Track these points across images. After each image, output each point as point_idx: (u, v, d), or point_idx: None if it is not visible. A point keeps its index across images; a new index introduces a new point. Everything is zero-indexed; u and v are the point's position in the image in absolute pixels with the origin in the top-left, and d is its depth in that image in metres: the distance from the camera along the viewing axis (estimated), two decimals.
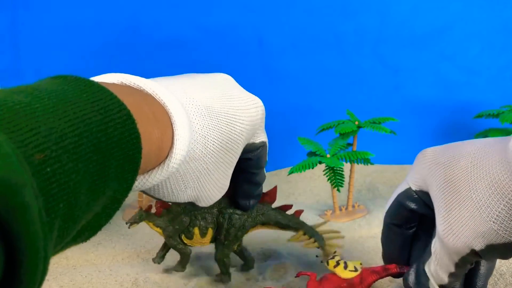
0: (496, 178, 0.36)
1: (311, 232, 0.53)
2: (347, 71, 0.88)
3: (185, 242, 0.52)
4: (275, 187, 0.53)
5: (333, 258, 0.50)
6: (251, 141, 0.46)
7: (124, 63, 0.87)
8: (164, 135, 0.34)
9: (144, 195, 0.71)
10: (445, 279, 0.41)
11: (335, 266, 0.49)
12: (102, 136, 0.26)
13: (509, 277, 0.52)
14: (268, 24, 0.86)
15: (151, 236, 0.64)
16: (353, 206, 0.72)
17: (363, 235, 0.65)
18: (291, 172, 0.67)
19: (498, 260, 0.51)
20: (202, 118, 0.39)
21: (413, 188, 0.44)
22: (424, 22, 0.86)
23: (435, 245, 0.42)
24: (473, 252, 0.38)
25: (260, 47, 0.87)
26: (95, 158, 0.25)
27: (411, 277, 0.44)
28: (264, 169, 0.50)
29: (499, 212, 0.36)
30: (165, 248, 0.54)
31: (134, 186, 0.35)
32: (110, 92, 0.28)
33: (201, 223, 0.50)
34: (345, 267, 0.49)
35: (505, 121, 0.70)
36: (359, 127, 0.70)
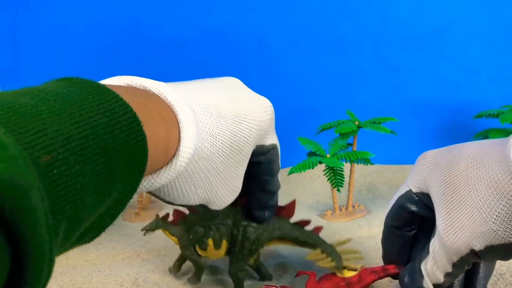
0: (496, 179, 0.36)
1: (329, 251, 0.50)
2: (347, 71, 0.88)
3: (200, 253, 0.50)
4: (294, 201, 0.51)
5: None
6: (261, 143, 0.45)
7: (124, 63, 0.87)
8: (171, 134, 0.34)
9: (144, 195, 0.71)
10: (441, 279, 0.41)
11: (339, 271, 0.49)
12: (108, 138, 0.26)
13: (509, 277, 0.52)
14: (268, 24, 0.86)
15: (151, 236, 0.64)
16: (353, 206, 0.72)
17: (363, 235, 0.65)
18: (291, 172, 0.67)
19: (498, 261, 0.51)
20: (209, 117, 0.39)
21: (414, 190, 0.44)
22: (424, 22, 0.86)
23: (433, 244, 0.42)
24: (473, 253, 0.38)
25: (260, 47, 0.87)
26: (102, 160, 0.25)
27: (407, 275, 0.45)
28: (278, 177, 0.49)
29: (498, 213, 0.36)
30: (182, 258, 0.53)
31: (142, 187, 0.35)
32: (116, 94, 0.28)
33: (215, 234, 0.49)
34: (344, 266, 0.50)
35: (505, 121, 0.70)
36: (359, 127, 0.70)
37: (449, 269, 0.41)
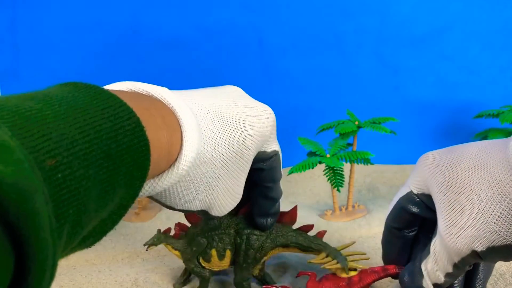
0: (497, 179, 0.36)
1: (334, 254, 0.49)
2: (347, 71, 0.88)
3: (204, 265, 0.50)
4: (295, 207, 0.50)
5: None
6: (263, 149, 0.45)
7: (124, 63, 0.87)
8: (173, 138, 0.34)
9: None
10: (441, 279, 0.41)
11: (346, 273, 0.49)
12: (112, 143, 0.26)
13: (509, 277, 0.52)
14: (268, 24, 0.86)
15: (151, 237, 0.64)
16: (353, 206, 0.72)
17: (363, 235, 0.65)
18: (291, 172, 0.67)
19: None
20: (211, 122, 0.39)
21: (415, 191, 0.45)
22: (424, 22, 0.86)
23: (434, 244, 0.42)
24: (474, 253, 0.38)
25: (260, 47, 0.87)
26: (105, 165, 0.25)
27: (407, 274, 0.45)
28: (280, 184, 0.49)
29: (500, 213, 0.36)
30: (186, 273, 0.53)
31: (144, 191, 0.35)
32: (119, 100, 0.28)
33: (219, 244, 0.49)
34: None
35: (505, 121, 0.70)
36: (359, 127, 0.70)
37: (450, 270, 0.41)
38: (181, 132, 0.35)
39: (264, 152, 0.45)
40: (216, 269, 0.50)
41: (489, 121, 0.81)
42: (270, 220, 0.49)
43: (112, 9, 0.85)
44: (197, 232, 0.49)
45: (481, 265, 0.45)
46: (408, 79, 0.88)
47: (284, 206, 0.73)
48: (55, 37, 0.85)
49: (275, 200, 0.48)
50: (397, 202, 0.46)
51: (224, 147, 0.39)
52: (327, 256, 0.50)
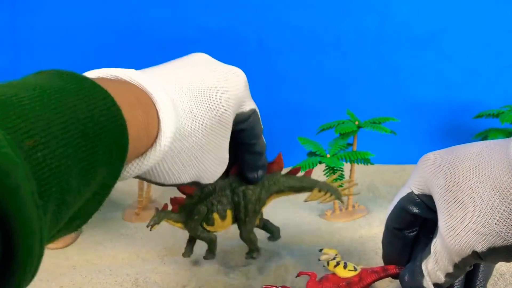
0: (498, 180, 0.36)
1: (326, 187, 0.53)
2: (347, 71, 0.88)
3: (208, 229, 0.52)
4: (280, 154, 0.53)
5: (333, 259, 0.50)
6: (240, 110, 0.46)
7: (124, 63, 0.86)
8: (150, 117, 0.34)
9: (144, 196, 0.71)
10: (441, 279, 0.41)
11: (335, 266, 0.50)
12: (88, 122, 0.27)
13: (509, 277, 0.52)
14: (268, 24, 0.86)
15: (151, 237, 0.64)
16: (353, 206, 0.72)
17: (363, 235, 0.65)
18: None
19: None
20: (185, 95, 0.39)
21: (416, 192, 0.45)
22: (424, 22, 0.86)
23: (435, 244, 0.42)
24: (475, 254, 0.38)
25: (260, 47, 0.87)
26: (83, 143, 0.26)
27: (407, 274, 0.45)
28: (263, 137, 0.50)
29: (501, 214, 0.36)
30: (191, 241, 0.54)
31: (131, 172, 0.36)
32: (93, 82, 0.29)
33: (218, 207, 0.51)
34: (345, 266, 0.50)
35: (505, 121, 0.70)
36: (359, 127, 0.70)
37: (450, 270, 0.41)
38: (156, 110, 0.36)
39: (242, 112, 0.46)
40: (220, 230, 0.52)
41: (489, 121, 0.81)
42: (260, 172, 0.51)
43: (112, 9, 0.85)
44: (195, 202, 0.51)
45: (481, 265, 0.45)
46: (408, 79, 0.88)
47: (285, 205, 0.73)
48: (55, 37, 0.85)
49: (261, 154, 0.50)
50: (398, 202, 0.46)
51: (202, 117, 0.40)
52: (319, 191, 0.53)
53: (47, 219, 0.23)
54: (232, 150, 0.46)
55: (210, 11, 0.85)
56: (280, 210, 0.70)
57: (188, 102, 0.39)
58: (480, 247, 0.38)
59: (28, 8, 0.85)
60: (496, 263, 0.45)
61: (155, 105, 0.35)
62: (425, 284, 0.43)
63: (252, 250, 0.53)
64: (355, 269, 0.50)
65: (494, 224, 0.36)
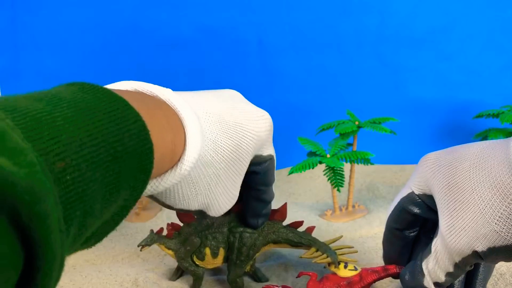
0: (498, 179, 0.36)
1: (324, 249, 0.51)
2: (347, 71, 0.88)
3: (197, 263, 0.51)
4: (285, 204, 0.52)
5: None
6: (259, 153, 0.46)
7: (124, 63, 0.87)
8: (177, 139, 0.34)
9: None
10: (442, 278, 0.41)
11: (335, 266, 0.50)
12: (118, 146, 0.26)
13: (509, 277, 0.52)
14: (268, 24, 0.86)
15: None
16: (353, 206, 0.72)
17: (363, 235, 0.65)
18: (291, 172, 0.67)
19: None
20: (212, 125, 0.40)
21: (416, 192, 0.45)
22: (424, 22, 0.86)
23: (436, 243, 0.42)
24: (475, 254, 0.38)
25: (260, 47, 0.87)
26: (112, 168, 0.26)
27: (408, 273, 0.45)
28: (272, 187, 0.50)
29: (501, 214, 0.36)
30: (179, 272, 0.54)
31: (147, 190, 0.36)
32: (126, 102, 0.29)
33: (212, 243, 0.50)
34: (345, 266, 0.50)
35: (505, 121, 0.70)
36: (359, 127, 0.70)
37: (451, 269, 0.41)
38: (184, 133, 0.36)
39: (260, 156, 0.46)
40: (209, 267, 0.52)
41: (489, 121, 0.81)
42: (261, 220, 0.50)
43: (112, 9, 0.85)
44: (191, 232, 0.50)
45: (481, 265, 0.45)
46: (408, 79, 0.88)
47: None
48: (55, 37, 0.85)
49: (267, 203, 0.50)
50: (398, 202, 0.46)
51: (224, 149, 0.40)
52: (317, 251, 0.51)
53: (68, 242, 0.23)
54: (240, 191, 0.46)
55: (210, 11, 0.85)
56: None
57: (214, 132, 0.40)
58: (481, 247, 0.38)
59: (28, 8, 0.85)
60: (497, 263, 0.45)
61: (183, 128, 0.36)
62: (425, 283, 0.43)
63: None
64: (355, 269, 0.50)
65: (494, 224, 0.36)
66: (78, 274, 0.55)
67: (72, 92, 0.27)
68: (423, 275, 0.43)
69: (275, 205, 0.52)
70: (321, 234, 0.65)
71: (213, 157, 0.39)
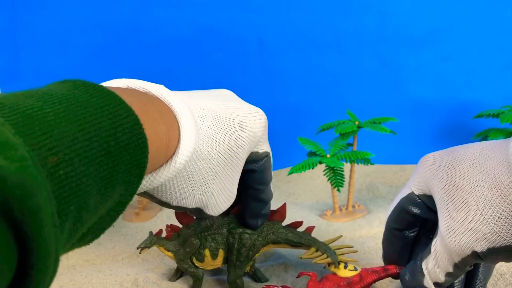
0: (498, 180, 0.36)
1: (323, 248, 0.51)
2: (347, 71, 0.88)
3: (197, 265, 0.51)
4: (285, 205, 0.52)
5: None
6: (255, 150, 0.46)
7: (124, 63, 0.87)
8: (171, 133, 0.34)
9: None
10: (441, 278, 0.41)
11: (335, 266, 0.50)
12: (111, 140, 0.26)
13: (509, 277, 0.52)
14: (268, 24, 0.86)
15: None
16: (353, 206, 0.72)
17: (363, 235, 0.65)
18: (291, 172, 0.67)
19: None
20: (207, 120, 0.40)
21: (416, 192, 0.45)
22: (424, 22, 0.86)
23: (435, 244, 0.42)
24: (474, 254, 0.38)
25: (260, 47, 0.87)
26: (105, 162, 0.26)
27: (408, 273, 0.45)
28: (271, 187, 0.50)
29: (500, 214, 0.36)
30: (178, 273, 0.54)
31: (142, 185, 0.35)
32: (118, 97, 0.29)
33: (212, 244, 0.50)
34: (345, 266, 0.50)
35: (505, 121, 0.70)
36: (359, 127, 0.70)
37: (450, 269, 0.41)
38: (179, 127, 0.36)
39: (256, 152, 0.46)
40: (209, 268, 0.51)
41: (489, 121, 0.81)
42: (260, 221, 0.50)
43: (112, 9, 0.85)
44: (190, 233, 0.50)
45: (481, 265, 0.45)
46: (408, 79, 0.88)
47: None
48: (55, 37, 0.85)
49: (266, 202, 0.49)
50: (398, 203, 0.46)
51: (220, 144, 0.40)
52: (317, 251, 0.51)
53: (63, 238, 0.23)
54: (238, 192, 0.46)
55: (210, 11, 0.85)
56: None
57: (209, 127, 0.40)
58: (480, 247, 0.38)
59: (28, 8, 0.85)
60: (496, 263, 0.45)
61: (178, 122, 0.36)
62: (425, 283, 0.43)
63: None
64: (355, 269, 0.50)
65: (493, 224, 0.36)
66: (78, 274, 0.55)
67: (64, 88, 0.27)
68: (423, 275, 0.43)
69: (275, 205, 0.52)
70: (321, 234, 0.65)
71: (208, 152, 0.39)
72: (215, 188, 0.41)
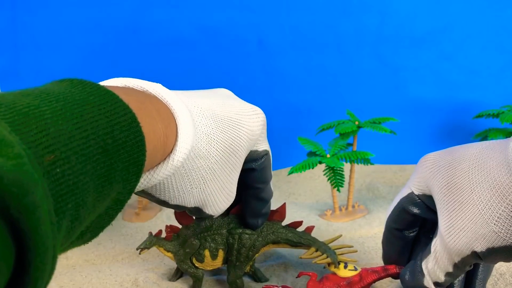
0: (497, 180, 0.36)
1: (323, 248, 0.51)
2: (347, 71, 0.88)
3: (197, 265, 0.51)
4: (284, 205, 0.52)
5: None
6: (254, 148, 0.46)
7: (124, 63, 0.87)
8: (168, 131, 0.34)
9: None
10: (441, 278, 0.42)
11: (335, 266, 0.50)
12: (109, 138, 0.26)
13: (509, 277, 0.52)
14: (268, 24, 0.86)
15: None
16: (353, 206, 0.72)
17: (363, 235, 0.65)
18: (291, 172, 0.67)
19: None
20: (205, 119, 0.40)
21: (416, 192, 0.45)
22: (424, 22, 0.86)
23: (435, 244, 0.42)
24: (474, 254, 0.38)
25: (260, 47, 0.87)
26: (102, 160, 0.26)
27: (408, 273, 0.45)
28: (271, 185, 0.49)
29: (500, 214, 0.36)
30: (178, 273, 0.54)
31: (140, 184, 0.35)
32: (115, 95, 0.29)
33: (211, 245, 0.50)
34: (345, 266, 0.50)
35: (505, 121, 0.70)
36: (359, 127, 0.70)
37: (450, 269, 0.41)
38: (176, 125, 0.36)
39: (256, 151, 0.46)
40: (209, 268, 0.51)
41: (489, 121, 0.81)
42: (261, 220, 0.50)
43: (112, 9, 0.85)
44: (189, 234, 0.50)
45: (481, 265, 0.45)
46: (408, 79, 0.88)
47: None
48: (55, 37, 0.85)
49: (266, 201, 0.49)
50: (398, 203, 0.46)
51: (218, 142, 0.40)
52: (316, 251, 0.51)
53: (60, 235, 0.23)
54: (238, 191, 0.46)
55: (210, 11, 0.85)
56: None
57: (207, 125, 0.40)
58: (479, 247, 0.38)
59: (28, 8, 0.85)
60: (496, 263, 0.45)
61: (175, 120, 0.36)
62: (425, 283, 0.43)
63: None
64: (355, 269, 0.50)
65: (493, 224, 0.36)
66: (78, 274, 0.55)
67: (61, 87, 0.27)
68: (423, 275, 0.43)
69: (275, 205, 0.52)
70: (320, 234, 0.65)
71: (206, 150, 0.39)
72: (214, 187, 0.41)
